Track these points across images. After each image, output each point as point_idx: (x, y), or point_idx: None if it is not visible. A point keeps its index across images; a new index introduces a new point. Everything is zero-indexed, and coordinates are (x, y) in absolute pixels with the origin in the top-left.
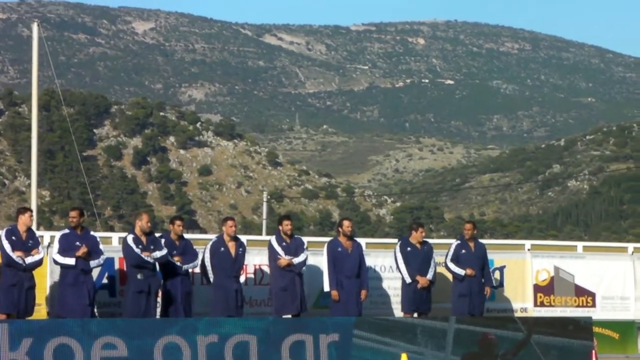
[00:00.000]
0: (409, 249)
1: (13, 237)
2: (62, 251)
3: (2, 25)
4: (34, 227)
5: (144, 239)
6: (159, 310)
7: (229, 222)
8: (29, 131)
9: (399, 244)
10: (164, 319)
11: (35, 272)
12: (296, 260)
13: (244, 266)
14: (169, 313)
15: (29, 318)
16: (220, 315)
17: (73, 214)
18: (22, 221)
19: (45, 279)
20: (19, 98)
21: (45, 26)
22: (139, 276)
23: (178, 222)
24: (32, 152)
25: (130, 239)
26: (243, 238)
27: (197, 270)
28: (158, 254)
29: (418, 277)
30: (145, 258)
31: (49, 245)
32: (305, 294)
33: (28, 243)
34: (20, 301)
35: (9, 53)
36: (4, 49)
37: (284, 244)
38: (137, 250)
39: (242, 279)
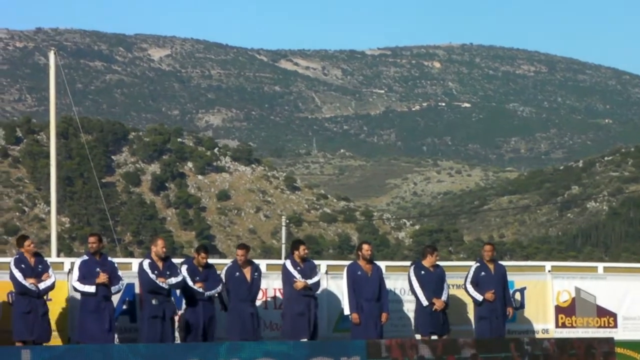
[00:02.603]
0: (422, 272)
1: (22, 265)
2: (82, 278)
3: (19, 53)
4: (53, 255)
5: (160, 264)
6: (177, 335)
7: (238, 251)
8: (47, 158)
9: (412, 267)
10: (185, 344)
11: (55, 299)
12: (310, 281)
13: (264, 290)
14: (190, 338)
15: (47, 344)
16: (237, 339)
17: (92, 239)
18: (25, 249)
19: (65, 305)
20: (37, 126)
21: (62, 54)
22: (153, 301)
23: (203, 255)
24: (51, 180)
25: (146, 264)
26: (262, 262)
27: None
28: (173, 280)
29: (434, 300)
30: (160, 284)
31: (69, 272)
32: (319, 319)
33: (37, 268)
34: (35, 327)
35: (26, 81)
36: (22, 77)
37: (299, 268)
38: (152, 276)
39: (261, 302)
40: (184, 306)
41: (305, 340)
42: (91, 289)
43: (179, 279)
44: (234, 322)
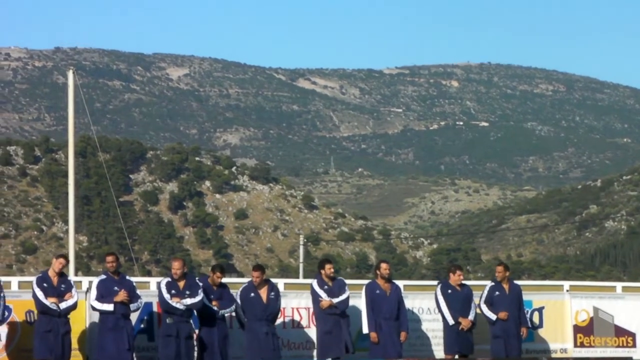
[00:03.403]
0: (449, 291)
1: (44, 284)
2: (100, 297)
3: (37, 73)
4: (71, 273)
5: (181, 283)
6: (196, 354)
7: (254, 273)
8: (65, 177)
9: (439, 286)
10: None
11: (73, 317)
12: (336, 300)
13: (282, 309)
14: (204, 357)
15: None
16: (257, 359)
17: (110, 259)
18: (54, 266)
19: (84, 324)
20: (55, 145)
21: (81, 73)
22: (167, 320)
23: (218, 274)
24: (69, 198)
25: (164, 283)
26: (280, 281)
27: (234, 314)
28: (189, 301)
29: (461, 319)
30: (173, 304)
31: (87, 291)
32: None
33: (60, 288)
34: (56, 347)
35: (44, 100)
36: (40, 97)
37: (326, 287)
38: (167, 296)
39: (279, 322)
40: (199, 325)
41: (331, 359)
42: (109, 307)
43: (196, 299)
44: (252, 342)
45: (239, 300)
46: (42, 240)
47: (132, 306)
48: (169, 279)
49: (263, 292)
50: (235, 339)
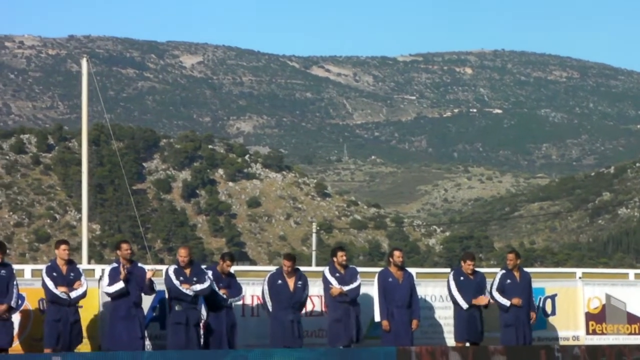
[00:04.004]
0: (462, 278)
1: (54, 273)
2: (112, 283)
3: (51, 61)
4: (84, 261)
5: (187, 270)
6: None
7: (285, 262)
8: (79, 166)
9: (452, 273)
10: (215, 350)
11: (86, 306)
12: (346, 287)
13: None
14: (211, 344)
15: (78, 351)
16: (280, 346)
17: (126, 246)
18: (59, 254)
19: (96, 312)
20: (68, 133)
21: (94, 61)
22: (176, 308)
23: (228, 262)
24: (82, 187)
25: (172, 270)
26: None
27: (240, 302)
28: (198, 287)
29: (477, 299)
30: (184, 290)
31: (100, 279)
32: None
33: (69, 276)
34: (64, 335)
35: (58, 89)
36: (54, 85)
37: (338, 274)
38: (176, 282)
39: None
40: (204, 312)
41: (342, 347)
42: (119, 285)
43: (205, 285)
44: (276, 329)
45: (266, 287)
46: (56, 229)
47: (144, 294)
48: (176, 266)
49: (291, 281)
50: (244, 327)
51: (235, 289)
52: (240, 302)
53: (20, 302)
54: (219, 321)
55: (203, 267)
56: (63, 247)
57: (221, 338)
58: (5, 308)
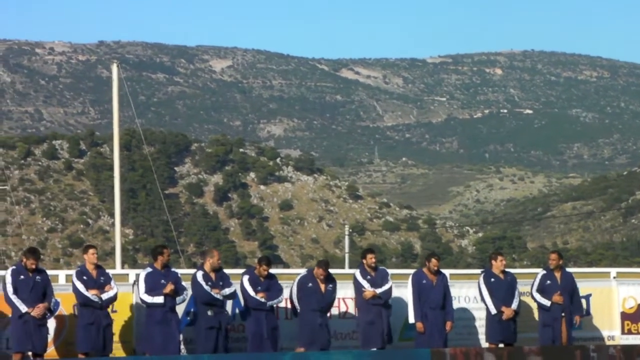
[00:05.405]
0: (492, 279)
1: (84, 277)
2: (149, 290)
3: (82, 67)
4: (118, 266)
5: (213, 275)
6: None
7: (318, 270)
8: (111, 171)
9: (482, 275)
10: (248, 354)
11: (120, 310)
12: (379, 290)
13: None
14: (254, 348)
15: (110, 356)
16: (307, 348)
17: (167, 251)
18: (87, 259)
19: (130, 316)
20: (100, 138)
21: (125, 67)
22: (209, 313)
23: (264, 267)
24: (115, 192)
25: (199, 275)
26: None
27: (283, 305)
28: (227, 291)
29: (503, 308)
30: (215, 296)
31: (134, 284)
32: (392, 327)
33: (100, 280)
34: (98, 339)
35: (89, 94)
36: (85, 91)
37: (369, 277)
38: (207, 288)
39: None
40: (237, 315)
41: (375, 349)
42: (159, 299)
43: (232, 289)
44: (304, 331)
45: (295, 289)
46: (89, 234)
47: (178, 299)
48: (203, 272)
49: (322, 283)
50: (286, 330)
51: (275, 291)
52: (282, 304)
53: (55, 307)
54: (259, 325)
55: (242, 271)
56: (91, 251)
57: (262, 341)
58: (47, 306)
